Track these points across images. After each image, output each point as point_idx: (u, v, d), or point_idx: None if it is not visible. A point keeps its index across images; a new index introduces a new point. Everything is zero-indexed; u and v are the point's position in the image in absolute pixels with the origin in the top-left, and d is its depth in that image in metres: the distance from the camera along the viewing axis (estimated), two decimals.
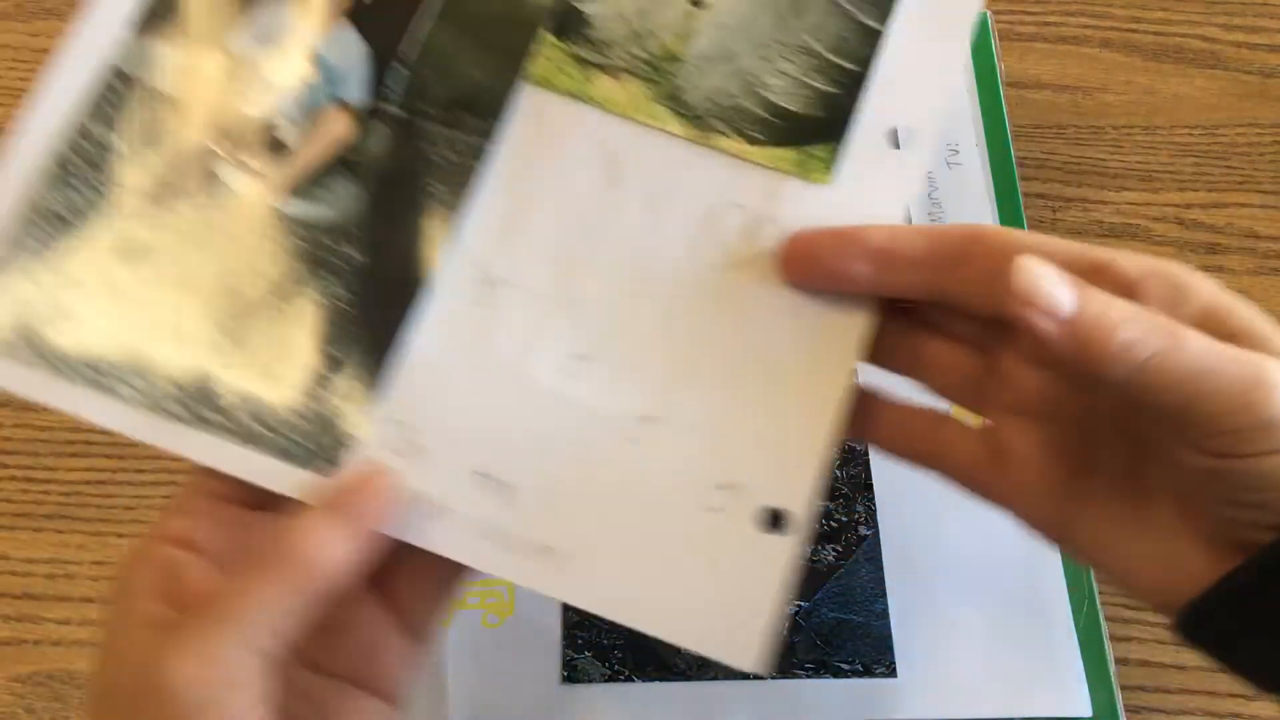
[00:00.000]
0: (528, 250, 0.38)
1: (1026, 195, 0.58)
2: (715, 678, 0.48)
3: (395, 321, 0.37)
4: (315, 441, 0.36)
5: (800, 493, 0.35)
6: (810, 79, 0.40)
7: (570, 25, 0.40)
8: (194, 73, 0.39)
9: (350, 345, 0.37)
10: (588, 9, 0.41)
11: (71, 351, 0.36)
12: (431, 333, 0.37)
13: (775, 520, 0.35)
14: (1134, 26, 0.64)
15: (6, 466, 0.54)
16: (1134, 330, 0.29)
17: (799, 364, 0.37)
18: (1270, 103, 0.62)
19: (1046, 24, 0.65)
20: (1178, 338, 0.29)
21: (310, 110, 0.39)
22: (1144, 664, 0.48)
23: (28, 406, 0.53)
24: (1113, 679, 0.46)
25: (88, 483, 0.53)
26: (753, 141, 0.39)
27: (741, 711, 0.47)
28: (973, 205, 0.57)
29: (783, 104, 0.40)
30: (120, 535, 0.52)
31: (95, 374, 0.36)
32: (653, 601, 0.35)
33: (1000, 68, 0.61)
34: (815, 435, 0.36)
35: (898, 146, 0.39)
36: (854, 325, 0.37)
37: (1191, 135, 0.61)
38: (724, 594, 0.35)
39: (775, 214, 0.39)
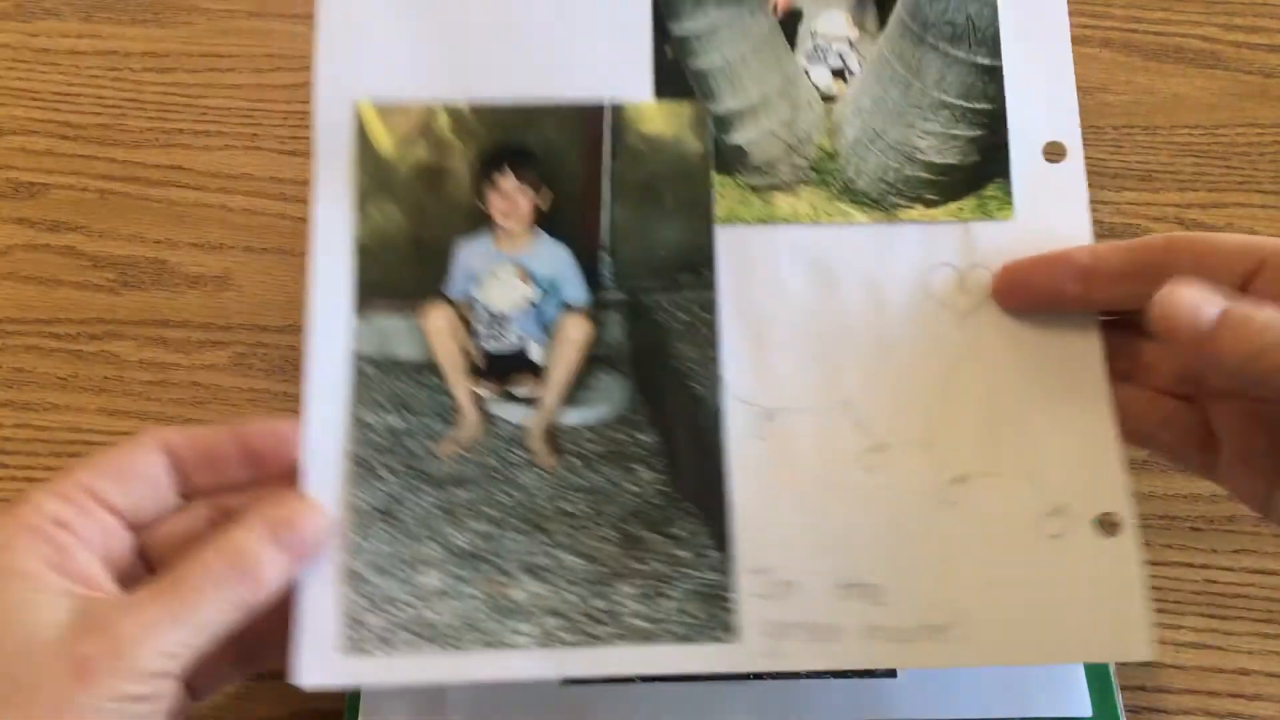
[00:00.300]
0: (786, 374, 0.42)
1: None
2: (714, 678, 0.48)
3: (712, 482, 0.41)
4: (701, 617, 0.39)
5: (1119, 494, 0.40)
6: (955, 129, 0.44)
7: (731, 160, 0.44)
8: (431, 332, 0.42)
9: (686, 520, 0.40)
10: (739, 139, 0.44)
11: (452, 622, 0.39)
12: (743, 479, 0.41)
13: (1109, 525, 0.40)
14: (1134, 26, 0.64)
15: (6, 466, 0.53)
16: (1263, 339, 0.34)
17: (1061, 385, 0.41)
18: (1270, 103, 0.62)
19: None
20: None
21: (546, 325, 0.42)
22: (1144, 664, 0.47)
23: (28, 406, 0.54)
24: (1113, 679, 0.46)
25: None
26: (931, 204, 0.43)
27: (741, 711, 0.47)
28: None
29: (940, 160, 0.44)
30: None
31: (481, 634, 0.39)
32: (1038, 635, 0.39)
33: None
34: (1106, 440, 0.41)
35: (1056, 160, 0.44)
36: (1091, 337, 0.41)
37: (1191, 135, 0.61)
38: (1095, 603, 0.39)
39: (980, 259, 0.43)
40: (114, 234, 0.58)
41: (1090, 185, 0.56)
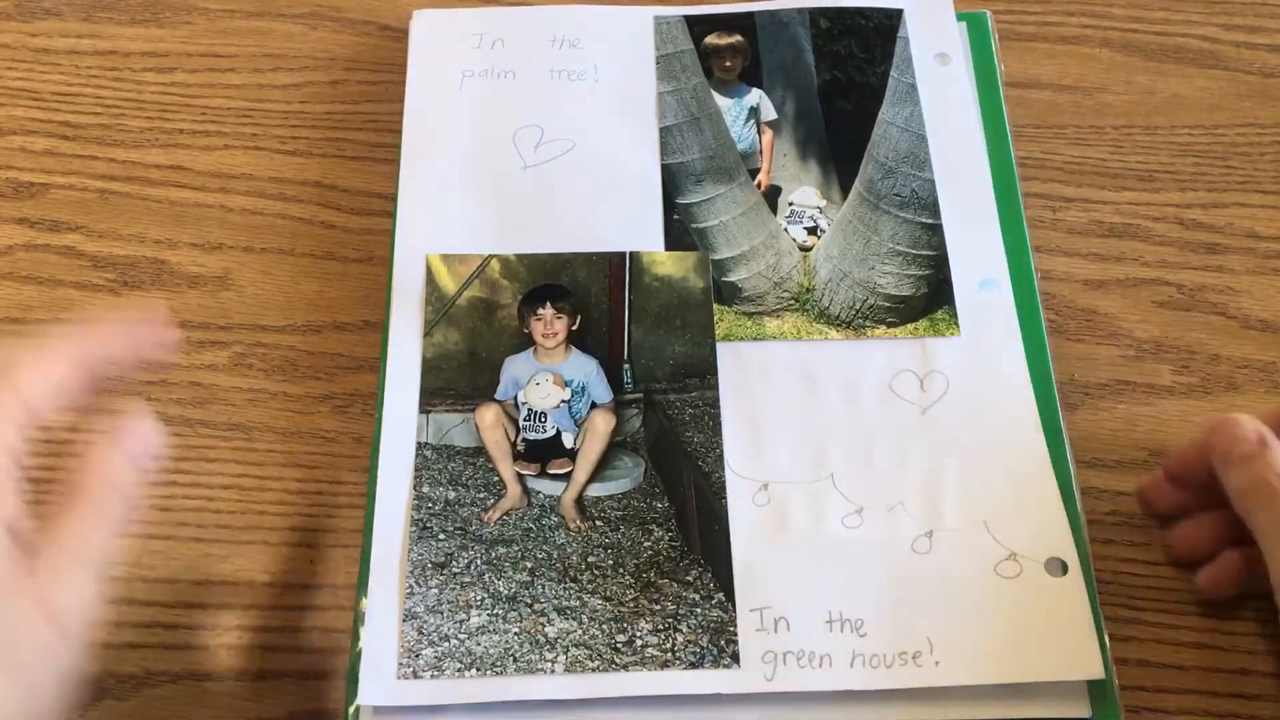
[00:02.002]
0: (778, 454, 0.50)
1: (1026, 195, 0.57)
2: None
3: (717, 538, 0.48)
4: (711, 648, 0.46)
5: (1064, 542, 0.47)
6: (908, 270, 0.54)
7: (728, 293, 0.54)
8: (482, 426, 0.51)
9: (695, 569, 0.47)
10: (734, 278, 0.54)
11: (493, 653, 0.45)
12: (743, 536, 0.48)
13: (1058, 567, 0.47)
14: (1134, 26, 0.64)
15: None
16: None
17: (1009, 458, 0.50)
18: (1270, 103, 0.61)
19: (1046, 24, 0.64)
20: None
21: (577, 418, 0.51)
22: (1144, 664, 0.47)
23: None
24: (1113, 679, 0.45)
25: None
26: (892, 325, 0.53)
27: (740, 711, 0.46)
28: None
29: (898, 293, 0.54)
30: (120, 535, 0.48)
31: (518, 663, 0.45)
32: (1001, 659, 0.45)
33: (1000, 68, 0.61)
34: (1050, 500, 0.48)
35: (991, 291, 0.54)
36: (1031, 421, 0.50)
37: (1191, 135, 0.60)
38: (1050, 631, 0.46)
39: (935, 367, 0.52)
40: (114, 234, 0.57)
41: (1090, 185, 0.58)
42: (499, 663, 0.45)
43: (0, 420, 0.33)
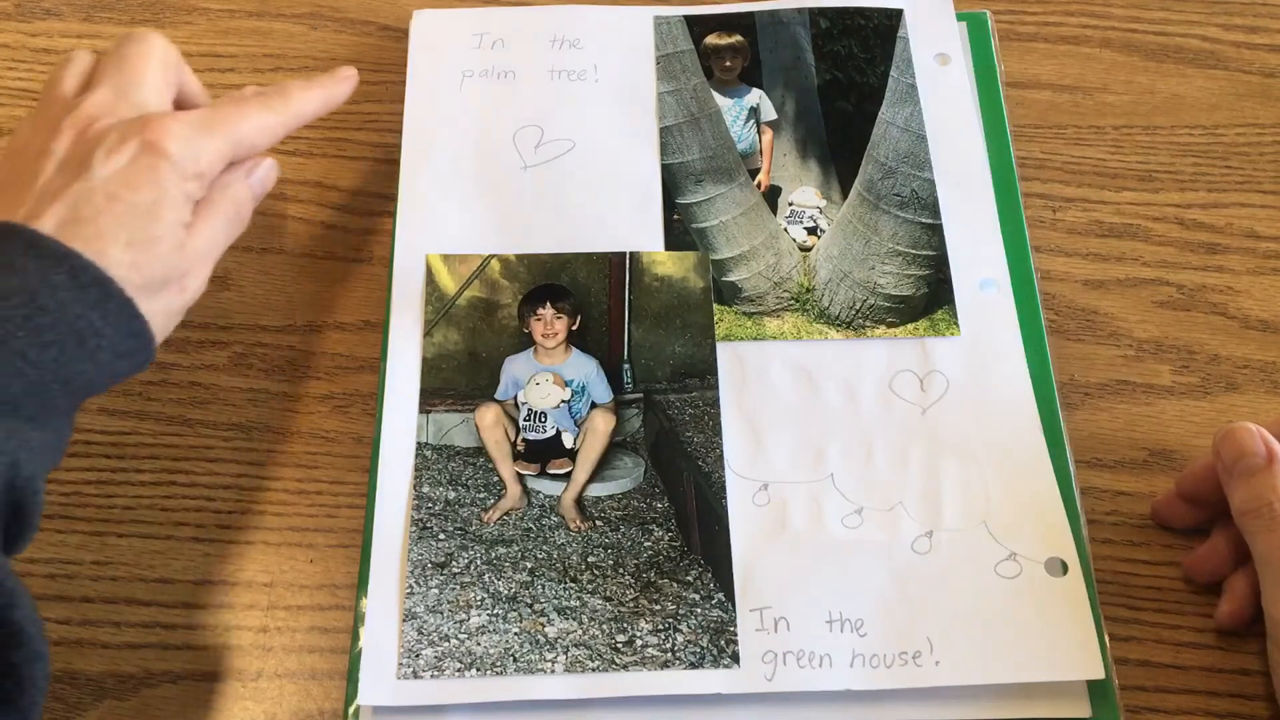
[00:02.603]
0: (778, 454, 0.50)
1: (1026, 195, 0.57)
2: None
3: (717, 538, 0.48)
4: (711, 648, 0.46)
5: (1064, 543, 0.47)
6: (908, 270, 0.54)
7: (730, 293, 0.54)
8: (482, 426, 0.51)
9: (695, 569, 0.47)
10: (735, 278, 0.54)
11: (493, 653, 0.45)
12: (743, 536, 0.48)
13: (1058, 568, 0.47)
14: (1134, 26, 0.64)
15: None
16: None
17: (1010, 459, 0.49)
18: (1270, 103, 0.61)
19: (1046, 24, 0.64)
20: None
21: (577, 418, 0.51)
22: (1144, 664, 0.47)
23: None
24: (1113, 679, 0.45)
25: (88, 483, 0.50)
26: (892, 325, 0.53)
27: (740, 711, 0.46)
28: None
29: (898, 293, 0.54)
30: (120, 535, 0.49)
31: (518, 663, 0.45)
32: (1001, 658, 0.45)
33: (1000, 68, 0.61)
34: (1050, 501, 0.48)
35: (990, 291, 0.54)
36: (1027, 406, 0.50)
37: (1191, 135, 0.60)
38: (1050, 631, 0.45)
39: (935, 366, 0.52)
40: None
41: (1090, 185, 0.58)
42: (499, 663, 0.45)
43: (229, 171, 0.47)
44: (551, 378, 0.52)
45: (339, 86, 0.51)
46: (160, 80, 0.47)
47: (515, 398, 0.52)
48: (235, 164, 0.47)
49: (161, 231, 0.42)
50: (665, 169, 0.57)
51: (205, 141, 0.44)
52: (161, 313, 0.43)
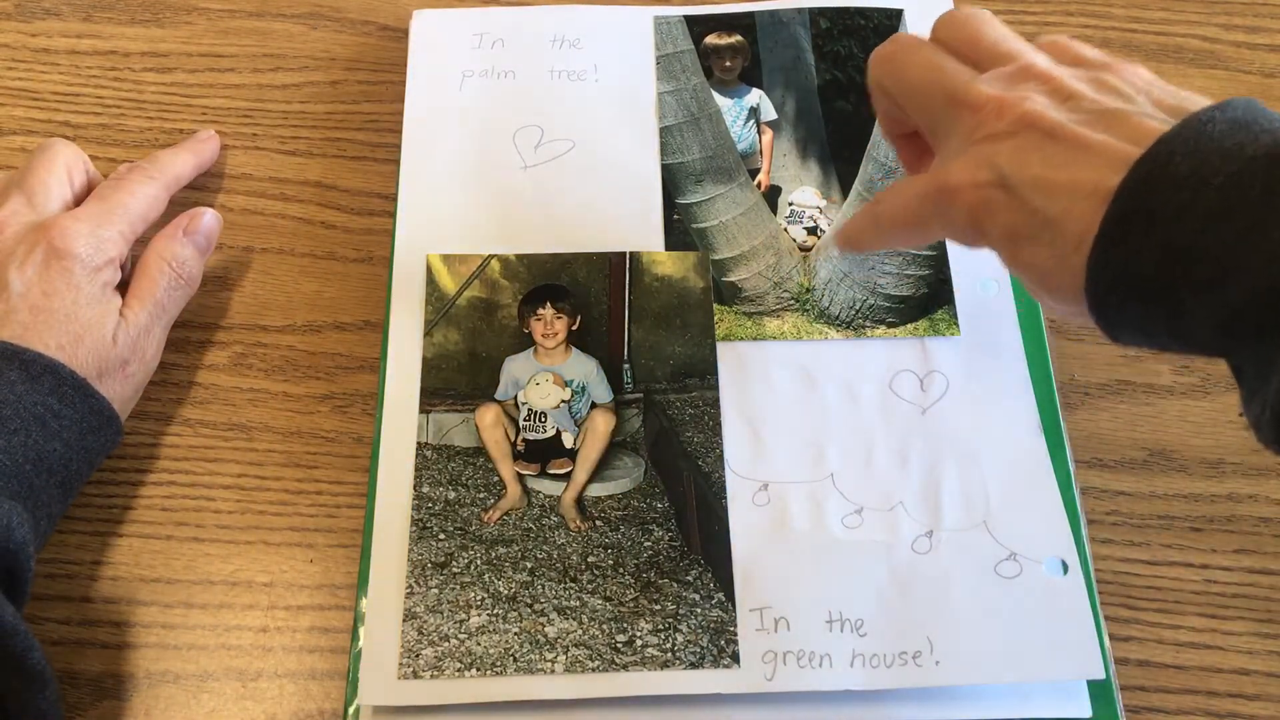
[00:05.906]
0: (778, 454, 0.50)
1: None
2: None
3: (717, 538, 0.48)
4: (711, 648, 0.46)
5: (1064, 542, 0.47)
6: (908, 270, 0.54)
7: (730, 294, 0.54)
8: (482, 426, 0.51)
9: (695, 569, 0.47)
10: (735, 278, 0.54)
11: (493, 653, 0.45)
12: (743, 536, 0.48)
13: (1058, 567, 0.47)
14: (1134, 26, 0.64)
15: None
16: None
17: (1009, 459, 0.49)
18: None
19: (1046, 24, 0.64)
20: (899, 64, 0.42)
21: (577, 418, 0.51)
22: (1144, 664, 0.47)
23: None
24: (1113, 679, 0.46)
25: (88, 482, 0.49)
26: (892, 325, 0.53)
27: (740, 711, 0.46)
28: None
29: (898, 293, 0.54)
30: (120, 535, 0.49)
31: (518, 663, 0.45)
32: (1001, 658, 0.45)
33: None
34: (1051, 500, 0.48)
35: (990, 291, 0.54)
36: (1027, 406, 0.50)
37: None
38: (1050, 631, 0.45)
39: (935, 366, 0.52)
40: None
41: None
42: (499, 663, 0.45)
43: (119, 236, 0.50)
44: (551, 378, 0.52)
45: (204, 146, 0.57)
46: (65, 182, 0.51)
47: (515, 398, 0.52)
48: (170, 229, 0.52)
49: (82, 329, 0.46)
50: (665, 169, 0.57)
51: (104, 231, 0.49)
52: (116, 396, 0.47)
